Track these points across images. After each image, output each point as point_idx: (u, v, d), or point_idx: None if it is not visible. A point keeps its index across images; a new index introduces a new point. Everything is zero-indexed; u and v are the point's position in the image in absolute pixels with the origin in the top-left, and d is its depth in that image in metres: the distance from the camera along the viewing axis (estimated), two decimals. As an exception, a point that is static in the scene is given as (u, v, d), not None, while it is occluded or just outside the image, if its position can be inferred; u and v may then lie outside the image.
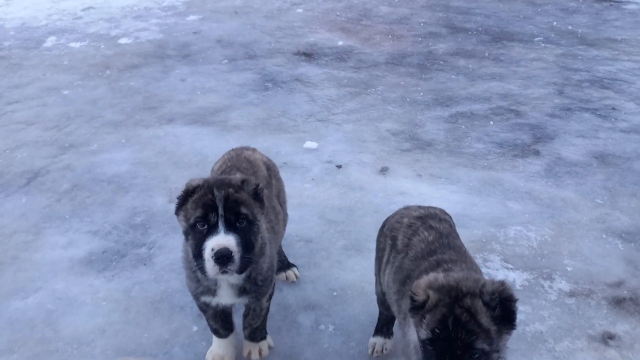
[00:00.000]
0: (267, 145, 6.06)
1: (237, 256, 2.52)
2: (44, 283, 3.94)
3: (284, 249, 4.00)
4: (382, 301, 3.16)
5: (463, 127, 6.41)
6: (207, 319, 3.19)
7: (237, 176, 2.79)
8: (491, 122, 6.49)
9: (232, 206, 2.57)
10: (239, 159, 3.46)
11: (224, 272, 2.56)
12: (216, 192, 2.58)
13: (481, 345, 2.01)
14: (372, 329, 3.37)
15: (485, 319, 2.03)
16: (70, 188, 5.24)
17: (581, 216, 4.58)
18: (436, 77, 8.08)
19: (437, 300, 2.08)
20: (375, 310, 3.41)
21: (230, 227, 2.56)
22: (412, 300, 2.18)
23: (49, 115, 7.01)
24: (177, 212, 2.76)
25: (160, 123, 6.72)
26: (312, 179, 5.39)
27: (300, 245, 4.39)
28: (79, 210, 4.87)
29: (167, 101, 7.41)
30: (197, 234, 2.60)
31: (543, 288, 3.77)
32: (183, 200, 2.70)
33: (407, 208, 3.10)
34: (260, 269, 2.88)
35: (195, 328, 3.52)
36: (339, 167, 5.62)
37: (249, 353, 3.29)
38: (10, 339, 3.44)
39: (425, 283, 2.18)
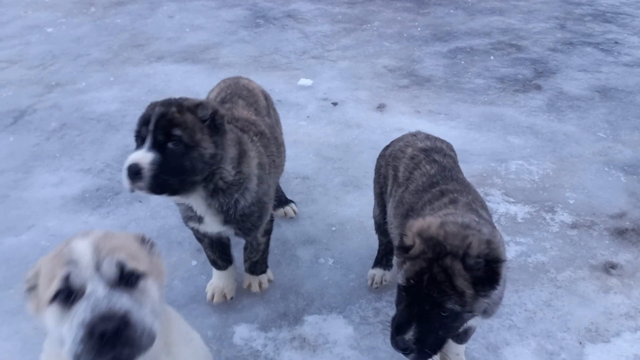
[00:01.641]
0: (260, 83, 5.79)
1: (147, 174, 2.37)
2: (37, 221, 3.85)
3: (281, 185, 3.91)
4: (380, 227, 3.11)
5: (462, 62, 6.24)
6: (205, 250, 3.13)
7: (195, 99, 2.60)
8: (491, 57, 6.32)
9: (164, 124, 2.42)
10: (237, 87, 3.31)
11: (135, 187, 2.43)
12: (157, 109, 2.46)
13: (451, 306, 1.93)
14: (372, 263, 3.33)
15: (462, 281, 1.93)
16: (59, 127, 5.07)
17: (583, 149, 4.50)
18: (434, 12, 7.82)
19: (420, 252, 1.99)
20: (374, 244, 3.37)
21: (156, 146, 2.41)
22: (401, 239, 2.11)
23: (32, 53, 6.74)
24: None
25: (149, 61, 6.49)
26: (308, 117, 5.25)
27: (297, 182, 4.30)
28: (69, 148, 4.73)
29: (155, 39, 7.14)
30: (136, 146, 2.51)
31: (545, 220, 3.73)
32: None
33: (414, 135, 2.97)
34: (238, 202, 2.72)
35: (194, 262, 3.47)
36: (335, 104, 5.47)
37: (249, 285, 3.26)
38: (6, 274, 3.37)
39: (417, 228, 2.08)
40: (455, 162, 2.85)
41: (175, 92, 5.66)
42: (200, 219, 2.77)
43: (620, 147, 4.54)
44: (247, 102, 3.20)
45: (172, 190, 2.50)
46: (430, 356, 2.03)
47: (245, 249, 3.19)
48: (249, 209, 2.78)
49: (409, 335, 1.97)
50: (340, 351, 2.84)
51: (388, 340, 2.84)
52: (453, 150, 2.95)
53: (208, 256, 3.14)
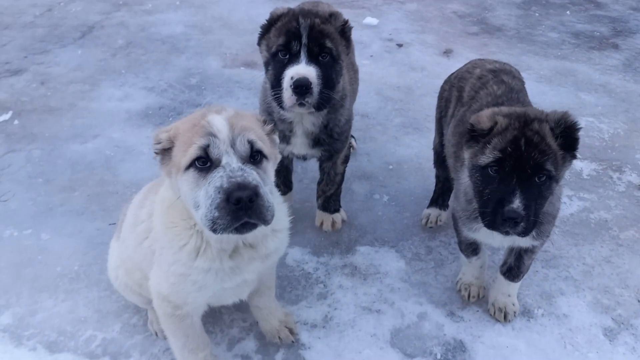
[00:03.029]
0: (326, 18, 5.77)
1: (316, 89, 2.34)
2: (102, 131, 3.95)
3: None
4: (439, 157, 3.05)
5: (537, 14, 5.95)
6: (277, 176, 3.10)
7: (325, 9, 2.58)
8: (568, 12, 6.00)
9: (316, 36, 2.37)
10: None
11: (300, 105, 2.38)
12: (301, 20, 2.37)
13: (550, 166, 1.95)
14: (427, 203, 3.30)
15: (553, 142, 1.98)
16: (125, 44, 5.13)
17: (659, 113, 4.29)
18: (510, -39, 7.43)
19: (507, 124, 2.00)
20: (430, 186, 3.33)
21: (312, 59, 2.37)
22: (473, 129, 2.09)
23: (101, -28, 6.78)
24: (259, 42, 2.57)
25: (215, -12, 6.43)
26: (371, 56, 5.15)
27: (356, 119, 4.23)
28: (134, 66, 4.79)
29: (222, -34, 7.05)
30: (277, 63, 2.43)
31: (611, 179, 3.59)
32: (266, 29, 2.53)
33: (481, 59, 2.87)
34: (337, 120, 2.72)
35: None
36: (400, 45, 5.34)
37: (322, 223, 3.20)
38: (72, 178, 3.50)
39: (489, 112, 2.10)
40: (524, 86, 2.75)
41: (239, 21, 5.65)
42: (288, 140, 2.71)
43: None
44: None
45: (326, 104, 2.47)
46: (535, 226, 2.04)
47: (320, 182, 3.15)
48: (343, 127, 2.77)
49: (517, 204, 1.95)
50: (391, 282, 2.86)
51: (439, 277, 2.87)
52: (521, 75, 2.84)
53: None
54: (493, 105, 2.47)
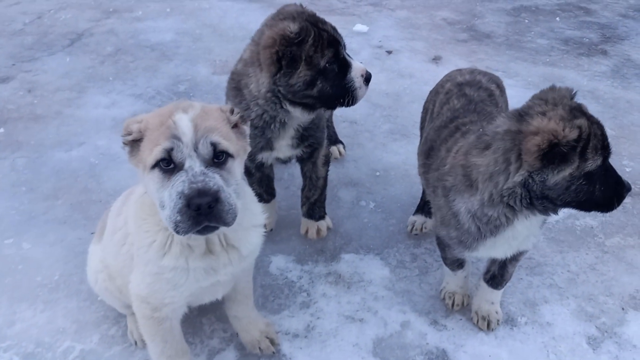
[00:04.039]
0: (315, 25, 5.77)
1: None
2: (87, 138, 3.93)
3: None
4: None
5: (526, 21, 5.96)
6: (251, 185, 3.00)
7: (295, 9, 2.62)
8: (557, 19, 6.01)
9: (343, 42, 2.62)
10: None
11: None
12: (326, 28, 2.53)
13: None
14: (413, 210, 3.28)
15: None
16: (114, 51, 5.12)
17: (647, 119, 4.28)
18: (501, -32, 7.45)
19: (588, 128, 1.91)
20: (417, 193, 3.31)
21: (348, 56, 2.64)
22: (557, 145, 1.85)
23: (92, -21, 6.78)
24: (288, 66, 2.44)
25: (206, -5, 6.44)
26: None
27: (344, 125, 4.24)
28: (122, 73, 4.78)
29: (213, -26, 7.06)
30: (330, 74, 2.50)
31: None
32: (291, 52, 2.40)
33: (459, 70, 2.87)
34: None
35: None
36: (389, 52, 5.34)
37: (307, 231, 3.18)
38: (56, 186, 3.48)
39: (558, 125, 1.87)
40: (492, 94, 2.67)
41: (230, 28, 5.64)
42: (271, 146, 2.75)
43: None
44: None
45: None
46: None
47: (303, 189, 3.14)
48: (317, 122, 2.83)
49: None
50: (375, 290, 2.84)
51: (423, 285, 2.85)
52: (496, 82, 2.77)
53: (253, 191, 3.12)
54: (450, 120, 2.48)
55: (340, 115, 4.30)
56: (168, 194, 1.72)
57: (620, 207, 3.35)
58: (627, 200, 3.46)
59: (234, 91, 2.68)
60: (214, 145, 1.75)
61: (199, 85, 4.64)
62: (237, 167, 1.86)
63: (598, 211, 2.10)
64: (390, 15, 6.11)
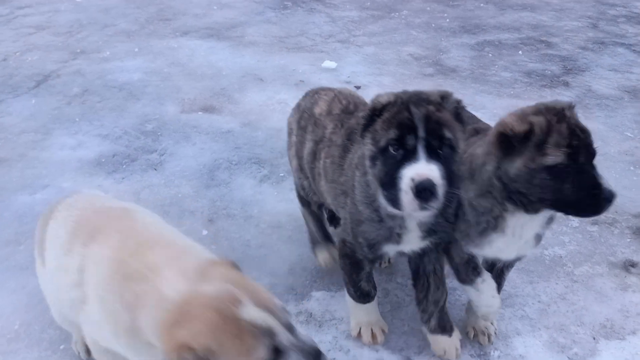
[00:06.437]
0: (284, 63, 5.85)
1: (440, 190, 1.97)
2: (52, 181, 3.85)
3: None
4: None
5: (490, 55, 6.12)
6: (358, 283, 2.55)
7: (433, 90, 2.20)
8: (520, 52, 6.19)
9: (434, 127, 2.01)
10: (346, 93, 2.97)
11: (423, 209, 2.02)
12: (414, 110, 2.03)
13: None
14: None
15: None
16: (81, 92, 5.08)
17: (609, 148, 4.38)
18: (464, 5, 7.70)
19: (547, 124, 2.01)
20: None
21: (432, 154, 2.00)
22: (506, 136, 2.06)
23: (60, 21, 6.79)
24: (362, 134, 2.19)
25: (174, 35, 6.48)
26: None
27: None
28: (89, 114, 4.73)
29: (182, 14, 7.14)
30: (388, 159, 2.06)
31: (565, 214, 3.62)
32: (370, 120, 2.15)
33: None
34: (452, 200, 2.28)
35: (205, 232, 3.43)
36: (358, 87, 5.40)
37: (444, 352, 2.59)
38: (18, 231, 3.38)
39: (514, 116, 2.09)
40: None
41: (198, 66, 5.67)
42: (399, 238, 2.31)
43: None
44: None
45: (451, 205, 2.18)
46: None
47: (425, 290, 2.56)
48: (455, 205, 2.37)
49: (605, 181, 2.04)
50: (346, 328, 2.79)
51: (395, 321, 2.81)
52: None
53: (360, 289, 2.59)
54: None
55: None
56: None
57: (587, 236, 3.43)
58: (594, 228, 3.51)
59: None
60: None
61: (166, 124, 4.61)
62: None
63: (577, 215, 2.21)
64: (358, 51, 6.21)
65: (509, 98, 5.17)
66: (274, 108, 4.94)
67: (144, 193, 3.76)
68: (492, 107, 5.00)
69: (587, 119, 4.80)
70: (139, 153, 4.20)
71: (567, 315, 2.87)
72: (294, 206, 3.66)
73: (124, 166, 4.04)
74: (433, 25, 6.97)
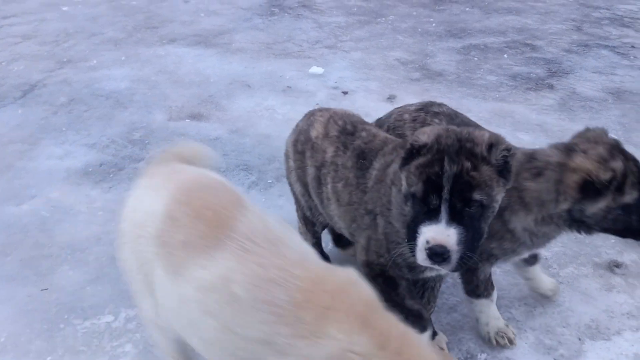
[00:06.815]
0: (271, 69, 5.87)
1: (454, 256, 1.96)
2: (39, 191, 3.84)
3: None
4: None
5: (475, 59, 6.17)
6: (402, 301, 2.40)
7: (484, 134, 2.04)
8: (505, 56, 6.25)
9: (462, 189, 1.94)
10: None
11: (435, 265, 2.03)
12: (447, 167, 1.94)
13: None
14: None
15: None
16: (68, 102, 5.07)
17: (593, 150, 4.43)
18: (450, 9, 7.76)
19: (624, 167, 2.19)
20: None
21: (455, 216, 1.96)
22: (588, 183, 2.18)
23: (47, 30, 6.78)
24: (401, 168, 2.13)
25: (162, 43, 6.49)
26: (317, 104, 5.20)
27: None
28: (76, 123, 4.73)
29: (170, 22, 7.15)
30: (414, 206, 2.05)
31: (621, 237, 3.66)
32: (407, 158, 2.08)
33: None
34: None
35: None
36: (345, 93, 5.44)
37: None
38: (5, 242, 3.37)
39: (593, 166, 2.20)
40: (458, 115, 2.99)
41: (186, 74, 5.67)
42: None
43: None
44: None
45: (465, 265, 2.07)
46: None
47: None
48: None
49: None
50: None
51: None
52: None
53: (407, 309, 2.39)
54: None
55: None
56: None
57: (572, 237, 3.46)
58: (579, 229, 3.54)
59: None
60: None
61: (154, 132, 4.61)
62: None
63: (633, 238, 2.38)
64: (345, 57, 6.25)
65: (495, 101, 5.22)
66: (262, 114, 4.96)
67: (132, 202, 3.76)
68: (477, 110, 5.05)
69: (572, 121, 4.86)
70: (127, 162, 4.20)
71: (552, 316, 2.90)
72: (283, 213, 3.68)
73: (112, 175, 4.04)
74: (419, 29, 7.02)
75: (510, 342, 2.66)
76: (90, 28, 6.86)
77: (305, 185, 2.84)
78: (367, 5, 7.88)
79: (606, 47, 6.47)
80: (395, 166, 2.28)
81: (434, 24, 7.18)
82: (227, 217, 1.77)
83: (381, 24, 7.23)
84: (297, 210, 3.13)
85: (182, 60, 6.01)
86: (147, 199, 1.92)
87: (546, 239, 2.44)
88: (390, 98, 5.28)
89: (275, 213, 3.64)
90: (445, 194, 1.94)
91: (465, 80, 5.67)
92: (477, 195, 1.95)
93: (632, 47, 6.45)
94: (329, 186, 2.60)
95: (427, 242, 1.96)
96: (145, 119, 4.82)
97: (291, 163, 2.89)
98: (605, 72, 5.80)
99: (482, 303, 2.65)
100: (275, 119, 4.92)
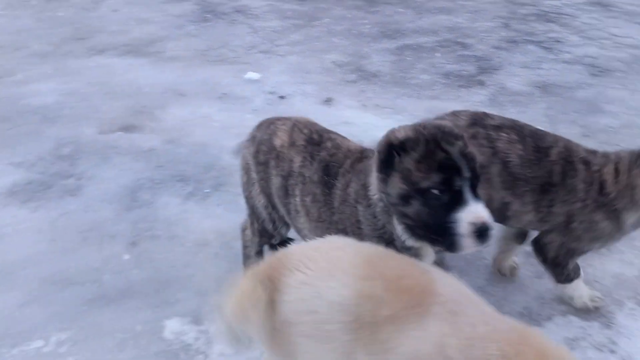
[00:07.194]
0: (206, 77, 5.79)
1: (493, 232, 1.99)
2: (-39, 215, 3.65)
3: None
4: None
5: (409, 59, 6.29)
6: None
7: (445, 122, 2.15)
8: (437, 54, 6.39)
9: (473, 166, 1.98)
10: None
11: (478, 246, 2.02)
12: (450, 150, 1.97)
13: None
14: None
15: None
16: (-9, 119, 4.85)
17: (523, 142, 4.58)
18: (383, 11, 7.88)
19: None
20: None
21: (475, 194, 1.98)
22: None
23: (-34, 45, 6.45)
24: (380, 170, 2.07)
25: (91, 54, 6.30)
26: (254, 110, 5.17)
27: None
28: (0, 141, 4.52)
29: (99, 32, 6.94)
30: (431, 201, 1.98)
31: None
32: (387, 160, 2.04)
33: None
34: None
35: (126, 256, 3.32)
36: (282, 97, 5.42)
37: None
38: None
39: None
40: None
41: (117, 84, 5.52)
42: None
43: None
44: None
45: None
46: None
47: None
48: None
49: None
50: (275, 342, 2.78)
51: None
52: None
53: None
54: None
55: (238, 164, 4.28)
56: None
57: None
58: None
59: None
60: None
61: (84, 146, 4.45)
62: None
63: None
64: (281, 61, 6.23)
65: (429, 100, 5.33)
66: (197, 123, 4.88)
67: (61, 220, 3.62)
68: (412, 109, 5.13)
69: (502, 115, 5.01)
70: (55, 179, 4.04)
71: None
72: (221, 222, 3.64)
73: (39, 194, 3.88)
74: (354, 31, 7.09)
75: (602, 301, 2.95)
76: (14, 41, 6.58)
77: (269, 197, 2.78)
78: (302, 9, 7.89)
79: (532, 42, 6.72)
80: (355, 185, 2.27)
81: (368, 26, 7.27)
82: (428, 281, 1.76)
83: (316, 27, 7.26)
84: (253, 224, 3.00)
85: (113, 71, 5.85)
86: (324, 292, 1.78)
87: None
88: (328, 101, 5.31)
89: (214, 223, 3.61)
90: (466, 173, 1.96)
91: (399, 80, 5.76)
92: (479, 170, 2.04)
93: (557, 41, 6.72)
94: (298, 198, 2.55)
95: (474, 224, 1.94)
96: (74, 133, 4.65)
97: (253, 175, 2.79)
98: (532, 67, 6.02)
99: (576, 283, 2.90)
100: (212, 126, 4.85)
